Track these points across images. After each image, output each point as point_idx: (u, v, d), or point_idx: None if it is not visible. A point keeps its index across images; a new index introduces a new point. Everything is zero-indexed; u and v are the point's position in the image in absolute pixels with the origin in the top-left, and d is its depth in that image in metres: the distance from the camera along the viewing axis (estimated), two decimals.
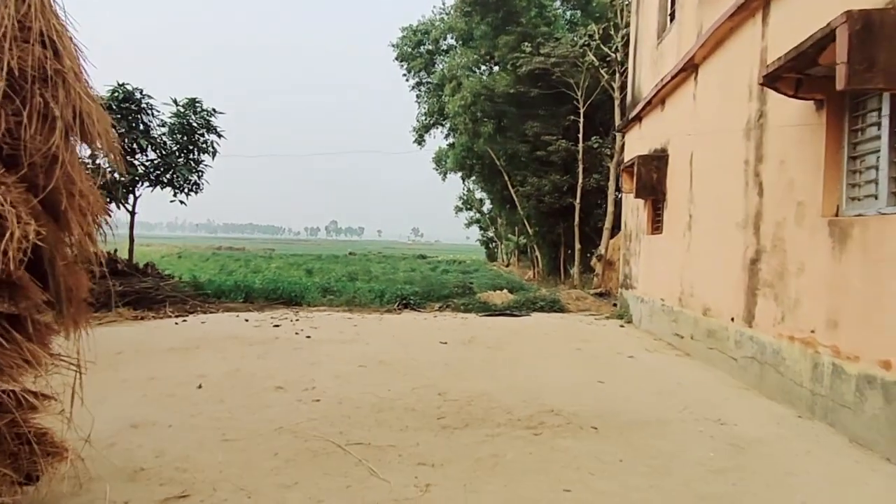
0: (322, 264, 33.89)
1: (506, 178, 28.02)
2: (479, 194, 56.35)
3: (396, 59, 27.84)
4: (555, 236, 24.39)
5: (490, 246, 60.91)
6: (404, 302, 11.48)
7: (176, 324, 8.47)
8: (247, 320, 8.91)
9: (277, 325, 8.39)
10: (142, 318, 8.69)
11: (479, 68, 24.79)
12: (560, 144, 19.52)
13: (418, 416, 4.27)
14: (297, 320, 9.10)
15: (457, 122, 22.61)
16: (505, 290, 12.81)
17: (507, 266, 46.61)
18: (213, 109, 10.94)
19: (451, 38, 27.42)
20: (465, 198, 58.21)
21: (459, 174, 57.22)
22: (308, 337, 7.52)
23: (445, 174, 53.17)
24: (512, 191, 27.66)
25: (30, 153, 2.20)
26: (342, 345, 7.16)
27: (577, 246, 19.80)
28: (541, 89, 20.32)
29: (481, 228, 61.05)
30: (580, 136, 19.37)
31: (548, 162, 21.47)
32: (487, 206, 56.52)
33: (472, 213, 59.90)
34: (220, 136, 11.10)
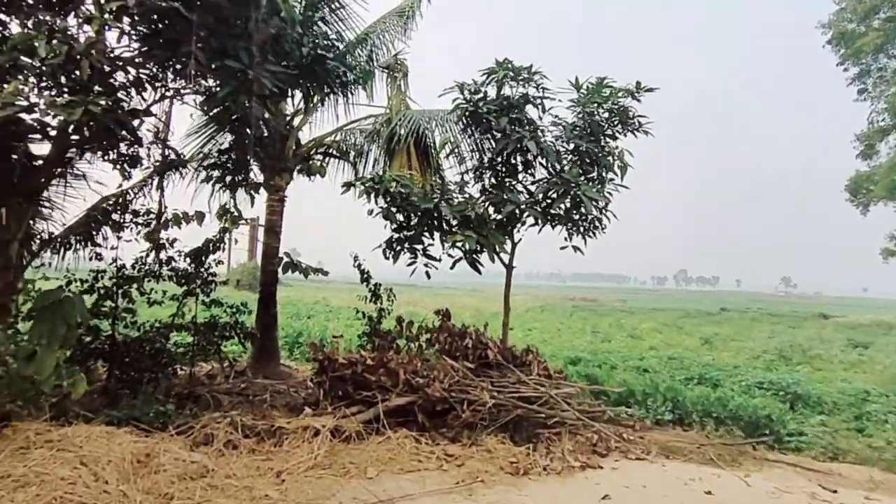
0: (703, 325, 26.74)
1: None
2: None
3: (830, 41, 19.45)
4: None
5: None
6: None
7: None
8: None
9: None
10: (526, 473, 4.46)
11: None
12: None
13: None
14: None
15: None
16: None
17: None
18: (638, 84, 6.12)
19: None
20: None
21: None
22: None
23: (866, 206, 38.69)
24: None
25: None
26: None
27: None
28: None
29: None
30: None
31: None
32: None
33: None
34: (644, 132, 6.34)
